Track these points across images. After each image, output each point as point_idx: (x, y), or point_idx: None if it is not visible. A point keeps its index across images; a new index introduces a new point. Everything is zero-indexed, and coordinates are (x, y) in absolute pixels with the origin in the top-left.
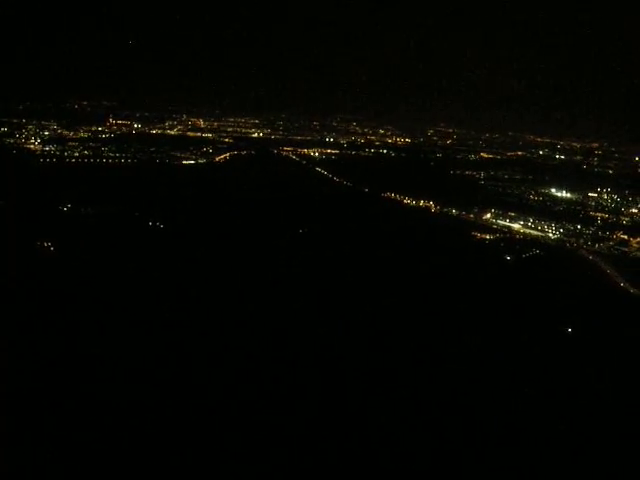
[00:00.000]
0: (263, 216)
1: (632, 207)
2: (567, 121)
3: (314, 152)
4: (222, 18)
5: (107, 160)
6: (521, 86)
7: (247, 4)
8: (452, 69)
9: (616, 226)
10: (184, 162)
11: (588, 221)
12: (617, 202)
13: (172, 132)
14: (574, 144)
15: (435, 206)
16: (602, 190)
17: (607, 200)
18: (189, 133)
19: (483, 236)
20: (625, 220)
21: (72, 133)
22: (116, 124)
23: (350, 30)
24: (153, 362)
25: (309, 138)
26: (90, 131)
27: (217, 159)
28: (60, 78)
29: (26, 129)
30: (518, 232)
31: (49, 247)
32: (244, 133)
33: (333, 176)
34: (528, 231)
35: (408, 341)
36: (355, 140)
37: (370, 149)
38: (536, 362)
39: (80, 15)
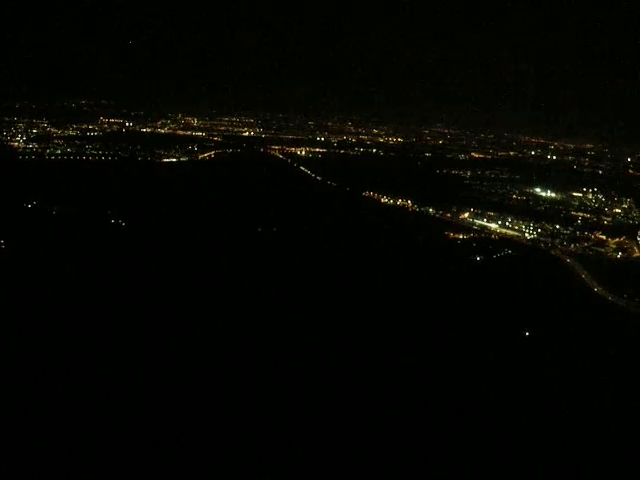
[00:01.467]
0: (231, 213)
1: (615, 207)
2: (566, 123)
3: (301, 151)
4: (224, 19)
5: (86, 158)
6: (521, 88)
7: (251, 6)
8: (452, 71)
9: (596, 226)
10: (165, 160)
11: (568, 221)
12: (601, 202)
13: (162, 131)
14: (568, 145)
15: (412, 205)
16: (587, 190)
17: (591, 200)
18: (179, 132)
19: (456, 236)
20: (606, 220)
21: (61, 131)
22: (108, 123)
23: (352, 31)
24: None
25: (300, 137)
26: (80, 129)
27: (199, 157)
28: (62, 78)
29: (15, 127)
30: (494, 232)
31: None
32: (236, 132)
33: (314, 174)
34: (504, 231)
35: (365, 340)
36: (346, 139)
37: (359, 148)
38: (491, 363)
39: (84, 16)
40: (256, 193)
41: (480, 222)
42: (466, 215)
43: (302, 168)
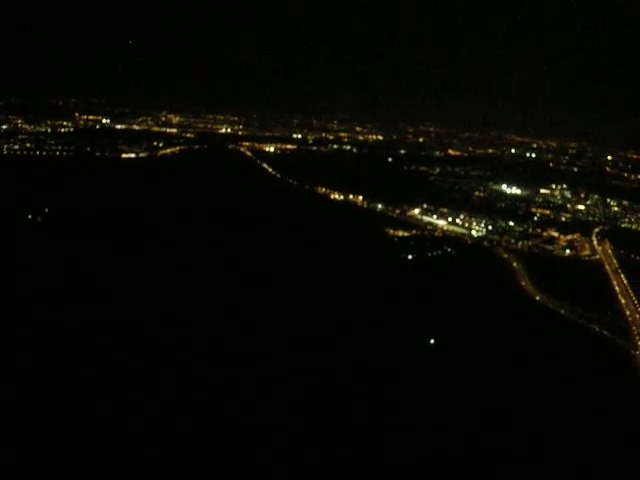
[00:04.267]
0: (163, 211)
1: (579, 204)
2: (553, 123)
3: (270, 148)
4: (220, 18)
5: (39, 153)
6: (512, 89)
7: (246, 6)
8: (445, 72)
9: (552, 223)
10: (123, 155)
11: (525, 218)
12: (566, 199)
13: (137, 127)
14: (552, 143)
15: (362, 201)
16: (556, 187)
17: (557, 197)
18: (154, 128)
19: (395, 233)
20: (565, 217)
21: (32, 127)
22: (84, 119)
23: (345, 30)
24: None
25: (277, 134)
26: (53, 125)
27: (159, 153)
28: (56, 77)
29: None
30: (439, 229)
31: None
32: (213, 129)
33: (273, 170)
34: (452, 228)
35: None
36: (324, 137)
37: (334, 145)
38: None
39: (80, 15)
40: (197, 189)
41: (428, 219)
42: (416, 212)
43: (264, 165)
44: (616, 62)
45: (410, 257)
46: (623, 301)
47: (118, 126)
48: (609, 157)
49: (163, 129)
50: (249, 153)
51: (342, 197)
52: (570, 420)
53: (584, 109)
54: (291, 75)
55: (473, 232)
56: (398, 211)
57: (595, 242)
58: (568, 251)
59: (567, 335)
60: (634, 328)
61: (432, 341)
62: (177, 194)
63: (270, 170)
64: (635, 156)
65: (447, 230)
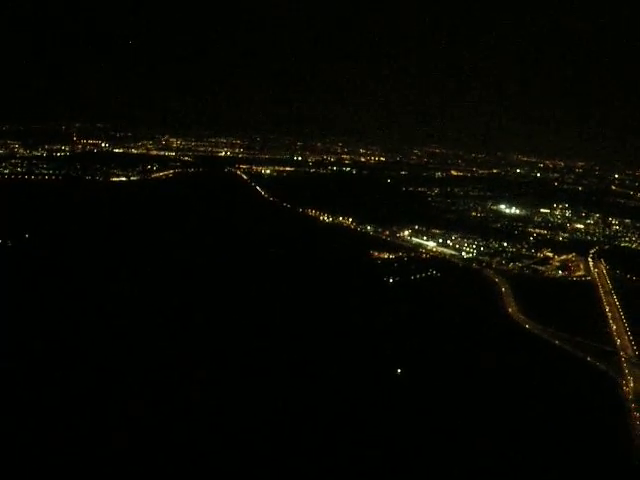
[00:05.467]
0: (143, 233)
1: (579, 223)
2: (563, 142)
3: (266, 170)
4: (224, 39)
5: (29, 177)
6: (522, 109)
7: (251, 25)
8: (454, 93)
9: (549, 243)
10: (113, 179)
11: (521, 238)
12: (566, 218)
13: (136, 151)
14: (559, 163)
15: (351, 223)
16: (557, 206)
17: (556, 216)
18: (153, 152)
19: (380, 255)
20: (562, 237)
21: (28, 152)
22: (83, 143)
23: (353, 52)
24: None
25: (278, 157)
26: (51, 150)
27: (152, 176)
28: (63, 102)
29: None
30: (428, 251)
31: None
32: (213, 152)
33: (265, 193)
34: (441, 249)
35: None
36: (325, 159)
37: (334, 167)
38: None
39: (85, 40)
40: (183, 211)
41: (418, 240)
42: (406, 233)
43: (257, 187)
44: (628, 80)
45: (391, 280)
46: (613, 324)
47: (116, 150)
48: (616, 175)
49: (161, 152)
50: (244, 176)
51: (331, 219)
52: (544, 452)
53: (594, 128)
54: (297, 97)
55: (463, 253)
56: (387, 232)
57: (590, 262)
58: (561, 272)
59: (548, 362)
60: (622, 353)
61: (399, 371)
62: (161, 216)
63: (262, 192)
64: None
65: (436, 252)
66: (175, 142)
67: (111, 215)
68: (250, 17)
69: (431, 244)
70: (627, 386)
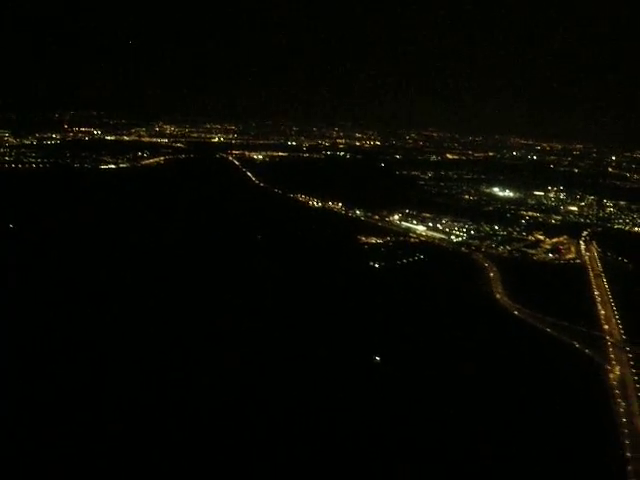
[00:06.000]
0: (128, 219)
1: (573, 205)
2: (562, 125)
3: (259, 155)
4: (221, 28)
5: (15, 165)
6: (521, 91)
7: (247, 13)
8: (453, 76)
9: (541, 226)
10: (102, 167)
11: (512, 221)
12: (560, 200)
13: (127, 138)
14: (557, 145)
15: (341, 208)
16: (552, 189)
17: (550, 198)
18: (145, 139)
19: (368, 240)
20: (555, 219)
21: (18, 140)
22: (75, 131)
23: (351, 37)
24: None
25: (271, 142)
26: (41, 138)
27: (142, 163)
28: (59, 90)
29: None
30: (417, 235)
31: None
32: (206, 138)
33: (255, 178)
34: (431, 233)
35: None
36: (320, 143)
37: (328, 152)
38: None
39: (81, 30)
40: (171, 196)
41: (408, 224)
42: (396, 217)
43: (248, 172)
44: (627, 62)
45: (377, 265)
46: (601, 308)
47: (108, 137)
48: (613, 157)
49: (154, 139)
50: (236, 161)
51: (321, 204)
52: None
53: (594, 111)
54: (295, 82)
55: (452, 237)
56: (377, 217)
57: (582, 245)
58: (551, 255)
59: (533, 347)
60: (609, 338)
61: (377, 358)
62: (148, 203)
63: (253, 178)
64: None
65: (425, 236)
66: (169, 129)
67: (97, 202)
68: (247, 5)
69: (420, 228)
70: (612, 372)
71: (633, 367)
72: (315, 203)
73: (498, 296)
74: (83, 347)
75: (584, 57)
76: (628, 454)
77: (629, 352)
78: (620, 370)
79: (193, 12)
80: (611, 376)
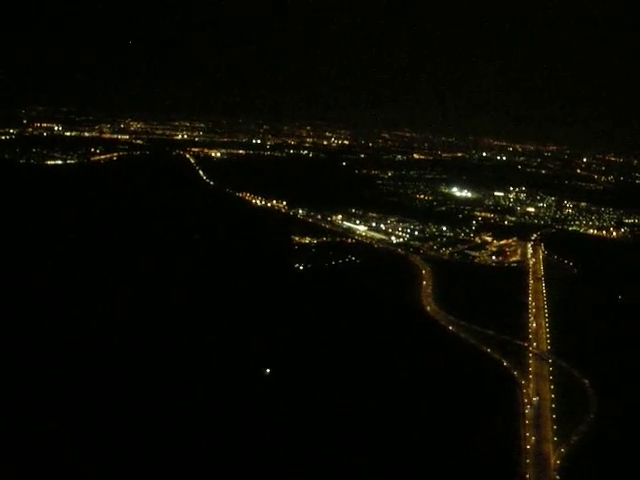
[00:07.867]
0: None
1: (530, 206)
2: (538, 126)
3: (217, 153)
4: (202, 26)
5: None
6: (499, 93)
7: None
8: (432, 77)
9: (493, 227)
10: (49, 162)
11: (463, 222)
12: (519, 201)
13: (88, 134)
14: (529, 147)
15: (284, 206)
16: (513, 189)
17: (509, 199)
18: (106, 135)
19: (301, 240)
20: (509, 220)
21: None
22: (36, 127)
23: (333, 33)
24: None
25: (235, 140)
26: None
27: (92, 159)
28: (29, 85)
29: None
30: (356, 235)
31: None
32: (170, 135)
33: (205, 176)
34: (371, 234)
35: None
36: (284, 142)
37: (292, 150)
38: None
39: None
40: (110, 193)
41: (349, 224)
42: (339, 217)
43: (200, 171)
44: (608, 66)
45: (301, 267)
46: (532, 316)
47: (68, 133)
48: (584, 159)
49: (115, 136)
50: (192, 159)
51: (264, 202)
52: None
53: (572, 112)
54: (272, 82)
55: (393, 238)
56: (319, 216)
57: (530, 247)
58: (494, 258)
59: (448, 358)
60: (532, 348)
61: (267, 371)
62: (84, 201)
63: (203, 176)
64: (614, 158)
65: (364, 236)
66: (135, 125)
67: (31, 198)
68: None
69: (362, 228)
70: (527, 387)
71: (552, 382)
72: (259, 202)
73: (425, 302)
74: None
75: (569, 60)
76: None
77: (551, 365)
78: (536, 384)
79: (171, 9)
80: (524, 391)
